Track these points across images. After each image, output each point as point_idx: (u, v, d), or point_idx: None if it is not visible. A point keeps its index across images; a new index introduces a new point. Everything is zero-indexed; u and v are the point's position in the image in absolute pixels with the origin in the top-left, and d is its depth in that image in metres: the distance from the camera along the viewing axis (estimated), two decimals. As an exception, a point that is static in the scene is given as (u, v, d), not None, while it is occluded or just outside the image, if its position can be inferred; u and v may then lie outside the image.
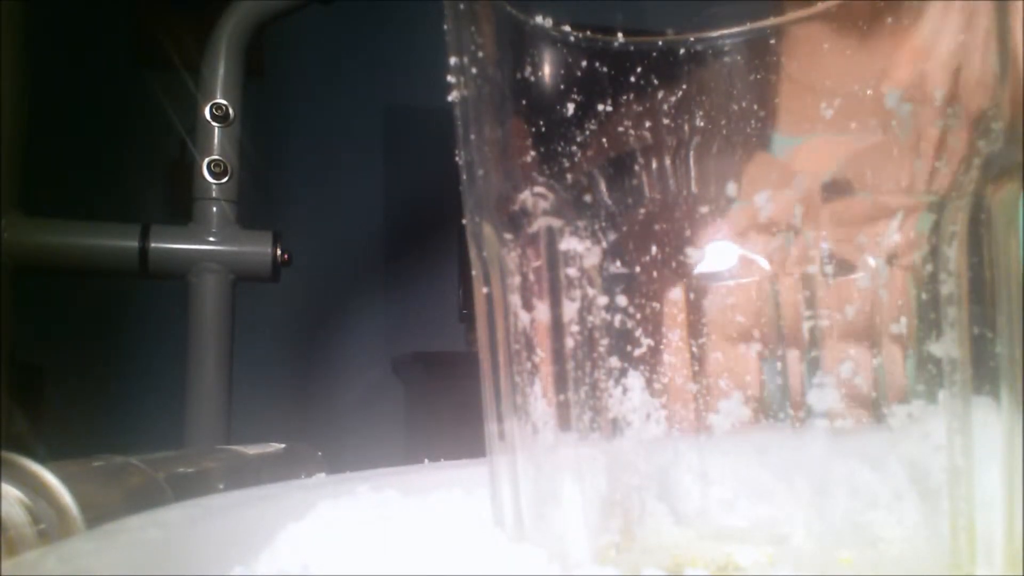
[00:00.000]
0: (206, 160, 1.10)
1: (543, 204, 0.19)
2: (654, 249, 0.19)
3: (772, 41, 0.18)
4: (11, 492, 0.25)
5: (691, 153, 0.18)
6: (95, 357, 1.79)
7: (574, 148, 0.18)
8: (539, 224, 0.19)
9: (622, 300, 0.19)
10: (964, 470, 0.17)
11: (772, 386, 0.18)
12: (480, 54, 0.19)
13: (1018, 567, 0.17)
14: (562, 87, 0.18)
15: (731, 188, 0.18)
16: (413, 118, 2.06)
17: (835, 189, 0.18)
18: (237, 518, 0.23)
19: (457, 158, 0.21)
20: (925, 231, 0.18)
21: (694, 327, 0.19)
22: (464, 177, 0.21)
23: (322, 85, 2.06)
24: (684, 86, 0.18)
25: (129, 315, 1.81)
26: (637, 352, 0.19)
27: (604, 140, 0.18)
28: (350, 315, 2.08)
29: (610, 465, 0.19)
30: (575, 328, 0.19)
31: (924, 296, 0.17)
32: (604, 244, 0.19)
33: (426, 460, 0.31)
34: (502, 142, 0.20)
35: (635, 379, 0.19)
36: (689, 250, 0.18)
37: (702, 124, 0.18)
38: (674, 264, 0.19)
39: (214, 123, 1.11)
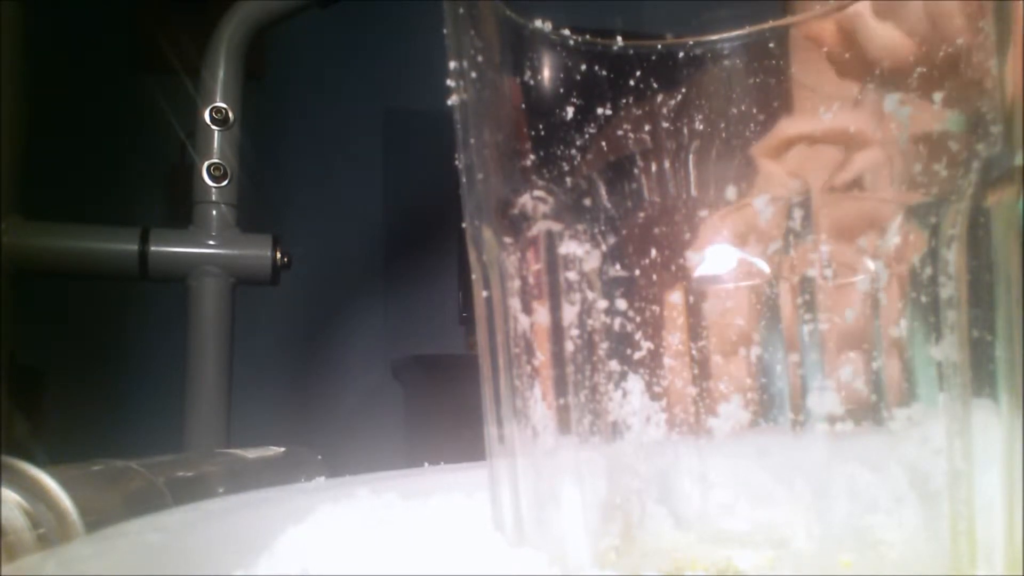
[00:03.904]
0: (206, 163, 1.10)
1: (543, 208, 0.19)
2: (654, 253, 0.19)
3: (771, 45, 0.18)
4: (11, 496, 0.25)
5: (690, 157, 0.18)
6: (95, 360, 1.79)
7: (574, 152, 0.18)
8: (539, 228, 0.19)
9: (622, 304, 0.19)
10: (964, 473, 0.17)
11: (772, 389, 0.18)
12: (480, 58, 0.19)
13: (1018, 569, 0.17)
14: (561, 91, 0.18)
15: (730, 192, 0.18)
16: (413, 122, 2.06)
17: (835, 192, 0.18)
18: (237, 522, 0.23)
19: (457, 162, 0.21)
20: (924, 234, 0.18)
21: (694, 331, 0.19)
22: (464, 181, 0.21)
23: (322, 88, 2.06)
24: (683, 90, 0.18)
25: (129, 318, 1.81)
26: (637, 356, 0.19)
27: (604, 144, 0.18)
28: (350, 318, 2.08)
29: (610, 468, 0.19)
30: (575, 332, 0.19)
31: (923, 299, 0.17)
32: (604, 248, 0.19)
33: (426, 463, 0.31)
34: (502, 146, 0.20)
35: (635, 382, 0.19)
36: (689, 254, 0.18)
37: (701, 128, 0.18)
38: (674, 268, 0.19)
39: (214, 126, 1.11)
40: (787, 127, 0.18)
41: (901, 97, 0.17)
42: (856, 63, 0.19)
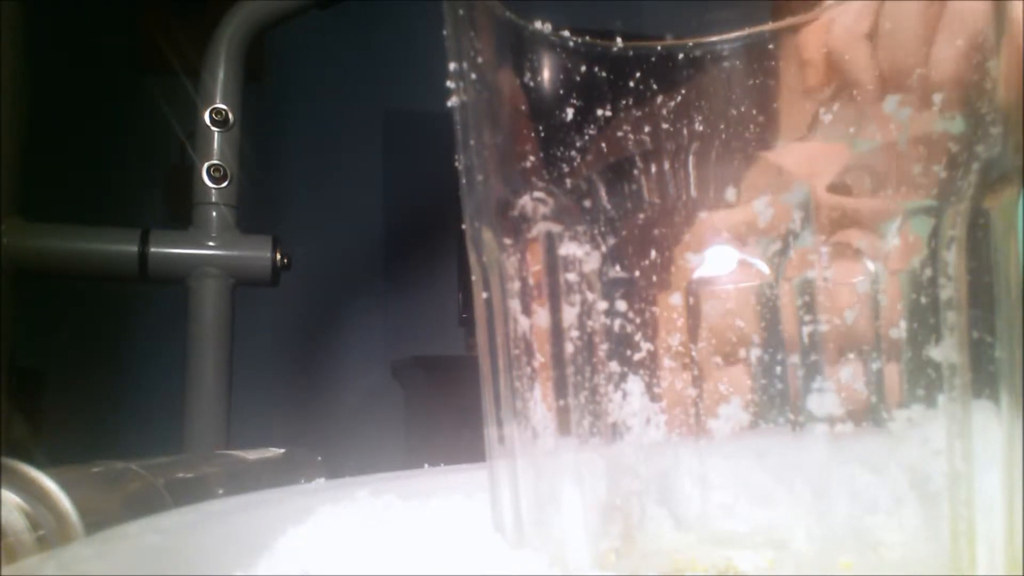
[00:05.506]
0: (206, 164, 1.10)
1: (543, 209, 0.19)
2: (653, 254, 0.19)
3: (771, 46, 0.18)
4: (10, 498, 0.25)
5: (690, 158, 0.18)
6: (95, 362, 1.79)
7: (573, 153, 0.18)
8: (538, 229, 0.19)
9: (621, 305, 0.19)
10: (964, 474, 0.17)
11: (772, 391, 0.18)
12: (479, 59, 0.19)
13: (1018, 569, 0.17)
14: (561, 92, 0.18)
15: (730, 193, 0.18)
16: (413, 123, 2.07)
17: (834, 193, 0.18)
18: (236, 523, 0.23)
19: (457, 163, 0.21)
20: (924, 236, 0.18)
21: (693, 332, 0.19)
22: (464, 182, 0.21)
23: (322, 89, 2.06)
24: (683, 91, 0.18)
25: (129, 320, 1.81)
26: (637, 357, 0.19)
27: (603, 145, 0.18)
28: (350, 319, 2.08)
29: (610, 470, 0.19)
30: (575, 333, 0.19)
31: (923, 300, 0.17)
32: (603, 249, 0.19)
33: (426, 465, 0.31)
34: (502, 147, 0.20)
35: (635, 384, 0.19)
36: (688, 255, 0.18)
37: (701, 129, 0.18)
38: (673, 269, 0.19)
39: (214, 128, 1.11)
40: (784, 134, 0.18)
41: (901, 99, 0.17)
42: (854, 66, 0.19)
